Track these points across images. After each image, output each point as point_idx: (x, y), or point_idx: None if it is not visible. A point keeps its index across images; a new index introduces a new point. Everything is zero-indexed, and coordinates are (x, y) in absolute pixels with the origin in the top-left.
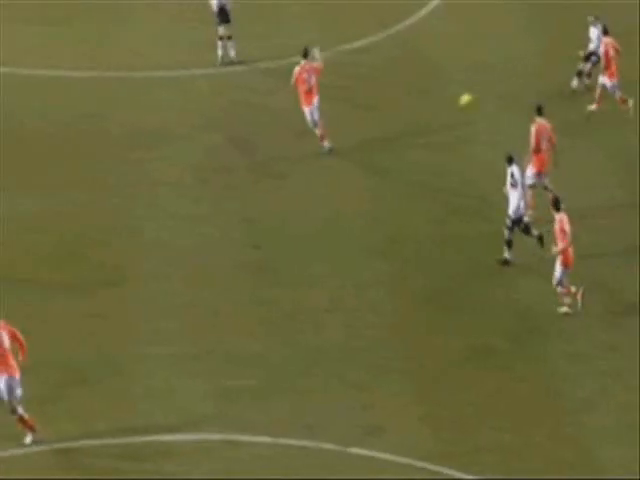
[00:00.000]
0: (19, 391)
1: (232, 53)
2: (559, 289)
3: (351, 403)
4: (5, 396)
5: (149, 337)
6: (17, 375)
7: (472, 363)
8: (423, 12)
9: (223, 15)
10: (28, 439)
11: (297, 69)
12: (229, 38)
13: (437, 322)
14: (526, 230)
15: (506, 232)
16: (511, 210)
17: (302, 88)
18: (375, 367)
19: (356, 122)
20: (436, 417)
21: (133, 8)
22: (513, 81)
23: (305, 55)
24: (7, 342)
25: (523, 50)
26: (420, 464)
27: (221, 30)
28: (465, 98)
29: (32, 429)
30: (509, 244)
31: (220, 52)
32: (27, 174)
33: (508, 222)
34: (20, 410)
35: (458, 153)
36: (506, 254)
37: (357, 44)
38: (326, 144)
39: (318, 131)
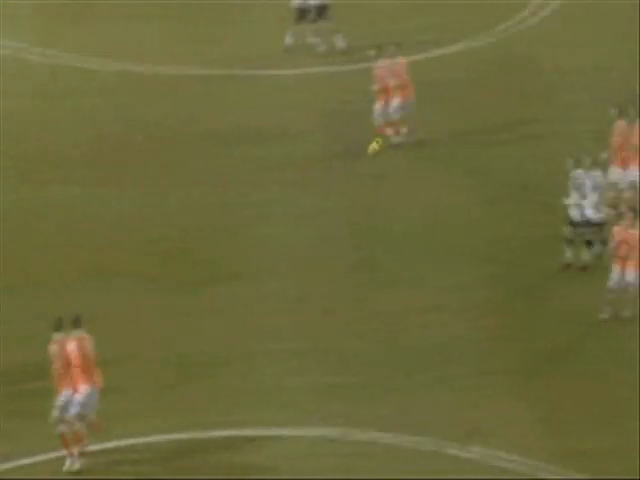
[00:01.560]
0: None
1: (340, 44)
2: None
3: (453, 403)
4: (78, 407)
5: (259, 333)
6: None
7: (570, 364)
8: (525, 13)
9: (321, 10)
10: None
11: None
12: (331, 33)
13: (537, 323)
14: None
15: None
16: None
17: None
18: (476, 368)
19: (457, 123)
20: (539, 419)
21: (246, 8)
22: (613, 85)
23: (380, 54)
24: (91, 354)
25: (625, 54)
26: (520, 467)
27: (319, 24)
28: (373, 147)
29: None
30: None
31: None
32: (140, 172)
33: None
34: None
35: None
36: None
37: (459, 45)
38: (396, 139)
39: (391, 128)
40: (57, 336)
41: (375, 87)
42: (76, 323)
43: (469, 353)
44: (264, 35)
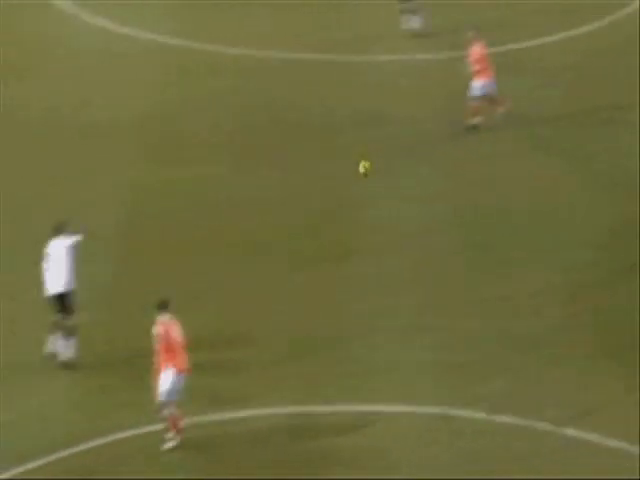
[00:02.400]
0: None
1: (415, 25)
2: None
3: (566, 384)
4: (169, 390)
5: (374, 311)
6: (182, 372)
7: None
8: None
9: None
10: (170, 444)
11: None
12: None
13: None
14: None
15: None
16: None
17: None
18: (590, 350)
19: (564, 106)
20: None
21: None
22: None
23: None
24: (178, 337)
25: None
26: (633, 449)
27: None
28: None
29: (178, 430)
30: None
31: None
32: (267, 154)
33: None
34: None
35: None
36: None
37: (574, 32)
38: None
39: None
40: (162, 318)
41: (473, 68)
42: (163, 306)
43: (580, 335)
44: (376, 19)
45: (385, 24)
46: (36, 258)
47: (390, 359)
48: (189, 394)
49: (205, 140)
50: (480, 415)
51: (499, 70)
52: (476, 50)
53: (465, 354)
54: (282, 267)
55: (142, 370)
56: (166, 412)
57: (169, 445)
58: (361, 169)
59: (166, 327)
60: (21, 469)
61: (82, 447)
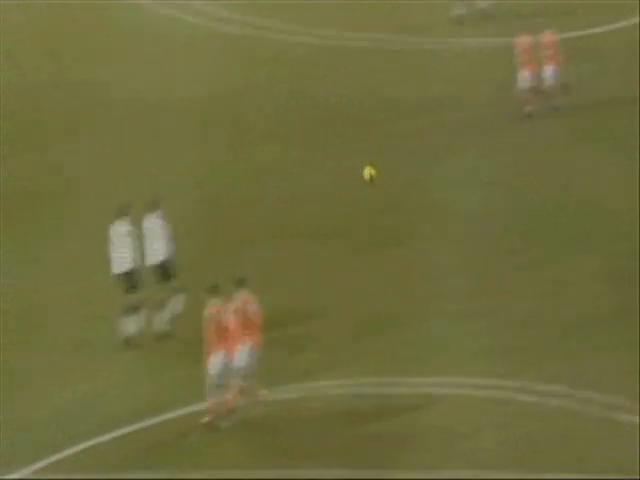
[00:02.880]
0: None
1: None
2: None
3: (616, 369)
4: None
5: (436, 293)
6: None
7: None
8: None
9: None
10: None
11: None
12: None
13: None
14: None
15: None
16: None
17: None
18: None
19: (621, 98)
20: None
21: None
22: None
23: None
24: (256, 312)
25: None
26: None
27: None
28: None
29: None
30: None
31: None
32: (330, 139)
33: None
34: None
35: None
36: None
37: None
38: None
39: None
40: (214, 301)
41: (520, 58)
42: (240, 284)
43: (630, 321)
44: (429, 5)
45: (437, 11)
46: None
47: (452, 339)
48: (261, 368)
49: (271, 126)
50: (534, 398)
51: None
52: (524, 39)
53: (520, 338)
54: (345, 250)
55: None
56: (243, 383)
57: (226, 424)
58: (366, 175)
59: (218, 310)
60: (91, 442)
61: (148, 422)
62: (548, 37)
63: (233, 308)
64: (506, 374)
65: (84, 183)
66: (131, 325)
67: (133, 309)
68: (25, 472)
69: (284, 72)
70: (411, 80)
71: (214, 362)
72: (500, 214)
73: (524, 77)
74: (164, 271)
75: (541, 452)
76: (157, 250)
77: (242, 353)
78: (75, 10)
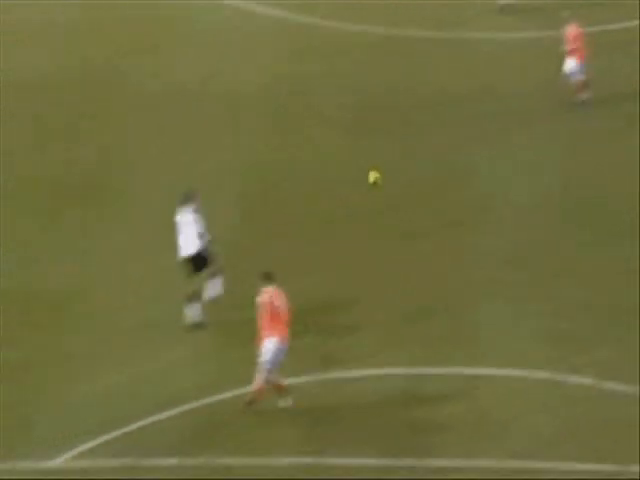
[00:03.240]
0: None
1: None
2: None
3: None
4: (272, 358)
5: (486, 279)
6: (284, 340)
7: None
8: None
9: None
10: (285, 402)
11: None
12: None
13: None
14: None
15: None
16: None
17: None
18: None
19: None
20: None
21: None
22: None
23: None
24: (283, 306)
25: None
26: None
27: None
28: (373, 177)
29: (287, 392)
30: None
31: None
32: (386, 127)
33: None
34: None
35: None
36: None
37: None
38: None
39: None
40: (266, 288)
41: (567, 47)
42: (268, 277)
43: None
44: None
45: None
46: (165, 223)
47: (500, 325)
48: (303, 354)
49: (325, 113)
50: (588, 381)
51: (595, 50)
52: (571, 30)
53: (574, 323)
54: (394, 236)
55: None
56: (270, 377)
57: (283, 404)
58: (371, 179)
59: (271, 297)
60: (154, 418)
61: (208, 400)
62: (573, 29)
63: (260, 301)
64: (560, 357)
65: (146, 170)
66: (194, 309)
67: (195, 293)
68: (90, 445)
69: (344, 61)
70: (460, 70)
71: (267, 347)
72: (553, 201)
73: (572, 66)
74: (199, 262)
75: (595, 435)
76: (188, 245)
77: (267, 347)
78: None
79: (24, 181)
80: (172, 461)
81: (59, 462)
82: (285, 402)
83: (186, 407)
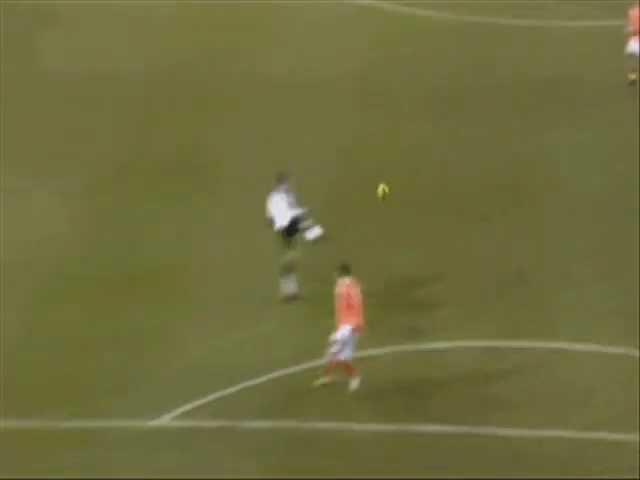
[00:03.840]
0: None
1: None
2: None
3: None
4: (344, 344)
5: (564, 257)
6: (358, 330)
7: None
8: None
9: None
10: (354, 384)
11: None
12: None
13: None
14: None
15: None
16: None
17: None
18: None
19: None
20: None
21: None
22: None
23: None
24: (357, 298)
25: None
26: None
27: None
28: (382, 190)
29: (356, 374)
30: None
31: None
32: (469, 112)
33: None
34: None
35: None
36: None
37: None
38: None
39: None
40: (344, 280)
41: (631, 28)
42: (345, 270)
43: None
44: None
45: None
46: (259, 202)
47: (577, 301)
48: (388, 326)
49: (412, 97)
50: None
51: None
52: (635, 11)
53: None
54: (474, 216)
55: None
56: (341, 360)
57: (354, 386)
58: (380, 192)
59: (348, 288)
60: (249, 383)
61: (298, 367)
62: (637, 11)
63: (338, 292)
64: (633, 334)
65: (243, 152)
66: (289, 282)
67: (289, 267)
68: (189, 407)
69: (427, 47)
70: (539, 56)
71: (341, 333)
72: (629, 182)
73: (635, 47)
74: (292, 236)
75: None
76: (284, 217)
77: (344, 332)
78: None
79: (134, 158)
80: (266, 424)
81: (161, 422)
82: (355, 385)
83: (278, 373)
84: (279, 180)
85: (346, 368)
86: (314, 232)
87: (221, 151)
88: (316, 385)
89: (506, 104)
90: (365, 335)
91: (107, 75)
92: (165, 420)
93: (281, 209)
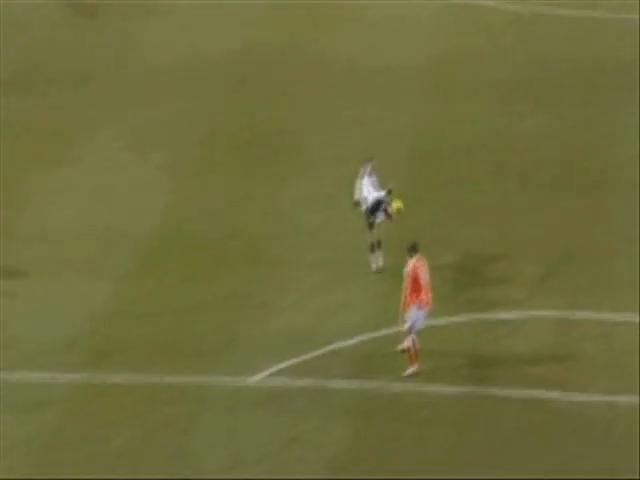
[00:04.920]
0: (419, 323)
1: None
2: None
3: None
4: (415, 323)
5: (630, 235)
6: (425, 307)
7: None
8: None
9: None
10: (410, 370)
11: None
12: None
13: None
14: None
15: None
16: None
17: None
18: None
19: None
20: None
21: None
22: None
23: None
24: (426, 276)
25: None
26: None
27: None
28: (397, 206)
29: (417, 362)
30: None
31: None
32: (538, 100)
33: None
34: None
35: None
36: None
37: None
38: None
39: None
40: (412, 259)
41: None
42: (414, 249)
43: None
44: None
45: None
46: (339, 180)
47: (635, 278)
48: (460, 297)
49: (481, 85)
50: None
51: None
52: None
53: None
54: (543, 193)
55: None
56: (406, 343)
57: (409, 372)
58: (394, 208)
59: (415, 267)
60: (330, 348)
61: (382, 332)
62: None
63: (406, 271)
64: None
65: (325, 132)
66: (377, 257)
67: (376, 243)
68: (280, 368)
69: (496, 38)
70: (607, 45)
71: (411, 313)
72: None
73: None
74: (376, 214)
75: None
76: (369, 197)
77: (410, 314)
78: None
79: (223, 134)
80: (353, 383)
81: (254, 380)
82: (412, 369)
83: (364, 337)
84: (365, 163)
85: (409, 354)
86: (380, 217)
87: (305, 132)
88: (397, 350)
89: (576, 89)
90: (437, 307)
91: (200, 60)
92: (258, 379)
93: (367, 191)
